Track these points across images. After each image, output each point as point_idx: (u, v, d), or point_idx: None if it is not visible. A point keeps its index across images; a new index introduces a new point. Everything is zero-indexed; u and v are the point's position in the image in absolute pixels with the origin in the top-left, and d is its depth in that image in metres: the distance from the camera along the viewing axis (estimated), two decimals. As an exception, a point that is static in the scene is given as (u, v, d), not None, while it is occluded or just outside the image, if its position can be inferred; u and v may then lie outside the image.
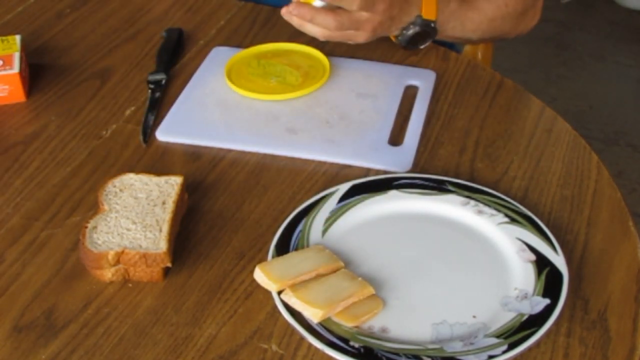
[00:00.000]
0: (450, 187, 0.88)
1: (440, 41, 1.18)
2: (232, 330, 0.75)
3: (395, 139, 0.97)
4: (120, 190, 0.86)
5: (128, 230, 0.81)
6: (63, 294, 0.79)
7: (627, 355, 0.71)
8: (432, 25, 1.06)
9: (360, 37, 1.03)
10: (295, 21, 1.01)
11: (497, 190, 0.88)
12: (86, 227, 0.81)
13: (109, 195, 0.85)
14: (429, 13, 1.06)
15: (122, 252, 0.78)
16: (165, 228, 0.81)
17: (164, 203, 0.84)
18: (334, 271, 0.77)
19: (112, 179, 0.87)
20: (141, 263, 0.78)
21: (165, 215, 0.82)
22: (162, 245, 0.79)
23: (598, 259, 0.81)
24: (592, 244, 0.83)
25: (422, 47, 1.09)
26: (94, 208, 0.87)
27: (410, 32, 1.06)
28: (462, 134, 0.98)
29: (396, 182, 0.89)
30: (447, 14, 1.08)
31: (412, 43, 1.08)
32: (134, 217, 0.82)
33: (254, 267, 0.77)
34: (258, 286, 0.77)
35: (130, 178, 0.87)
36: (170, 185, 0.86)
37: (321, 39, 1.03)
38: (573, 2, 3.12)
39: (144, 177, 0.87)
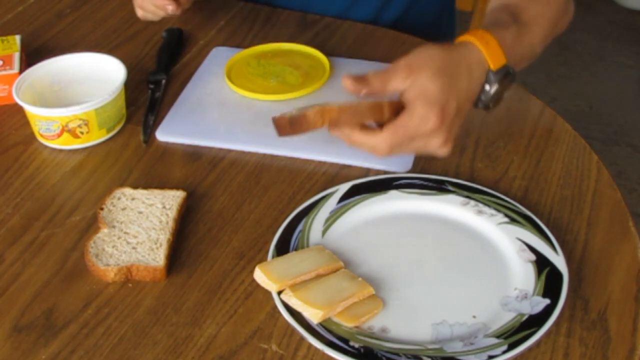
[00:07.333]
0: (450, 187, 0.88)
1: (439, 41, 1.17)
2: (232, 330, 0.75)
3: (395, 139, 0.97)
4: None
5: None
6: (63, 294, 0.79)
7: (627, 355, 0.71)
8: (509, 69, 0.85)
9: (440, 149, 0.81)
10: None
11: (497, 190, 0.88)
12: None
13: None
14: (496, 60, 0.83)
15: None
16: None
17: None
18: (334, 271, 0.77)
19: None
20: (143, 269, 0.79)
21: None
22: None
23: (598, 259, 0.81)
24: (592, 244, 0.83)
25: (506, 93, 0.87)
26: (94, 208, 0.87)
27: (492, 92, 0.85)
28: (462, 134, 0.98)
29: (396, 182, 0.89)
30: (510, 47, 0.86)
31: (498, 99, 0.86)
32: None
33: (254, 267, 0.77)
34: (258, 286, 0.77)
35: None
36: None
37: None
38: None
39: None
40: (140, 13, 1.10)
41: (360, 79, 0.80)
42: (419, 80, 0.78)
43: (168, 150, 0.98)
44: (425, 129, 0.78)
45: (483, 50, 0.82)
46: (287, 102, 1.03)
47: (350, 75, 0.80)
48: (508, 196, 0.87)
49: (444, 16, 1.33)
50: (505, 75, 0.84)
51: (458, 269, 0.80)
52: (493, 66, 0.83)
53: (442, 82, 0.78)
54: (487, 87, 0.83)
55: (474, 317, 0.74)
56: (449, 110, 0.78)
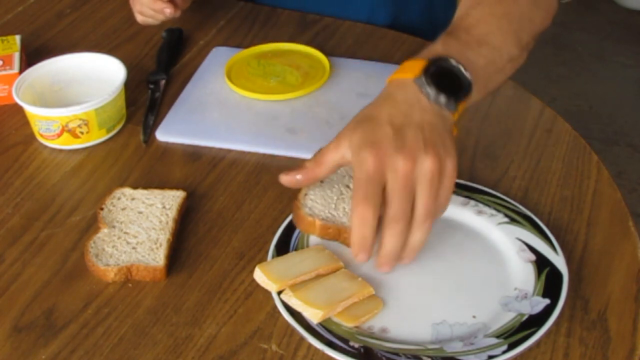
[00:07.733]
0: (450, 187, 0.87)
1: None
2: (232, 330, 0.75)
3: (395, 139, 0.97)
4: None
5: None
6: (63, 294, 0.79)
7: (627, 355, 0.71)
8: (434, 59, 0.77)
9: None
10: None
11: (497, 190, 0.88)
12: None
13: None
14: (413, 68, 0.77)
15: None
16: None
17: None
18: (334, 271, 0.77)
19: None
20: (143, 269, 0.79)
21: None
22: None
23: (598, 259, 0.81)
24: (592, 244, 0.83)
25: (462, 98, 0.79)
26: (94, 208, 0.87)
27: (430, 89, 0.76)
28: (462, 134, 0.98)
29: (396, 182, 0.88)
30: (438, 52, 0.79)
31: (442, 85, 0.76)
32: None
33: (254, 267, 0.77)
34: (258, 286, 0.77)
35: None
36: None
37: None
38: (573, 2, 3.12)
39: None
40: (140, 18, 1.11)
41: (292, 168, 0.78)
42: (346, 140, 0.75)
43: (168, 150, 0.98)
44: (370, 169, 0.71)
45: (399, 75, 0.77)
46: (287, 102, 1.03)
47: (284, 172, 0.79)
48: (508, 196, 0.87)
49: (443, 17, 1.32)
50: (431, 67, 0.76)
51: (458, 268, 0.80)
52: (413, 74, 0.76)
53: (363, 127, 0.74)
54: (424, 92, 0.75)
55: (474, 317, 0.74)
56: (382, 137, 0.72)
